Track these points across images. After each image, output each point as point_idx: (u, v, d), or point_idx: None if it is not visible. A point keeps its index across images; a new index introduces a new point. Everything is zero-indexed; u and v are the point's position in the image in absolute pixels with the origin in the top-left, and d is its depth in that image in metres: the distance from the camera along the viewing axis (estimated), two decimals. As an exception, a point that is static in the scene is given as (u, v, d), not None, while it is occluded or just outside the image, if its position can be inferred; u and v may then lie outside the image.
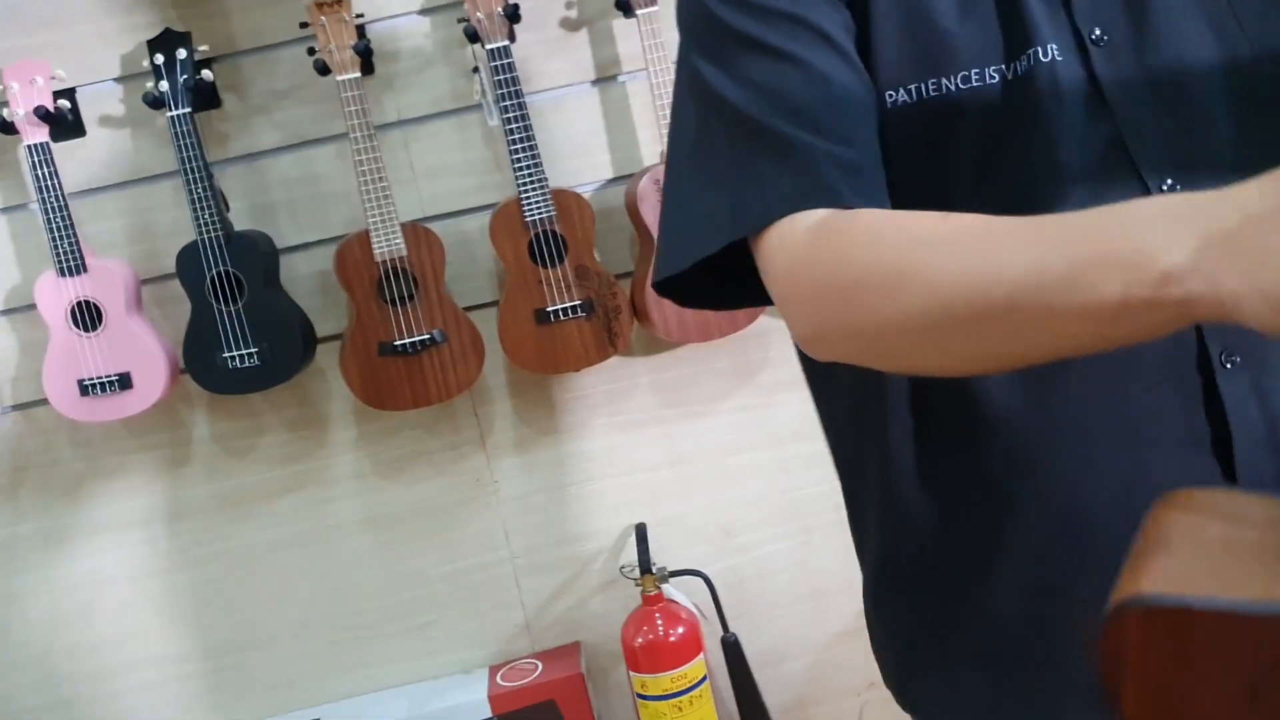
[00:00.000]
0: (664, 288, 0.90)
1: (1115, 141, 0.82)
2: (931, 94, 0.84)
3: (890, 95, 0.85)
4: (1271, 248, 0.53)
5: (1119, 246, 0.60)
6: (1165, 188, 0.81)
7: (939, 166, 0.85)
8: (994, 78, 0.84)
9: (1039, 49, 0.83)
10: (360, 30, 2.03)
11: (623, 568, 2.36)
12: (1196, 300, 0.57)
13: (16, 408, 2.23)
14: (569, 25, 2.14)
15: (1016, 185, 0.83)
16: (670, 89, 2.00)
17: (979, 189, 0.84)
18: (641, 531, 2.34)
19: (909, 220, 0.75)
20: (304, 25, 2.03)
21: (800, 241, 0.79)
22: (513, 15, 2.00)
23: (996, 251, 0.67)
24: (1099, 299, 0.60)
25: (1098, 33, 0.84)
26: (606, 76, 2.17)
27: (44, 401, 2.16)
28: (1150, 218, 0.60)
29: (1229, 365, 0.81)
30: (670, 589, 2.31)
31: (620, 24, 2.13)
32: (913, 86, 0.85)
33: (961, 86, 0.84)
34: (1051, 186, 0.82)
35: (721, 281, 0.89)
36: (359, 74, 2.01)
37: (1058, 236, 0.64)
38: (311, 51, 2.02)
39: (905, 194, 0.84)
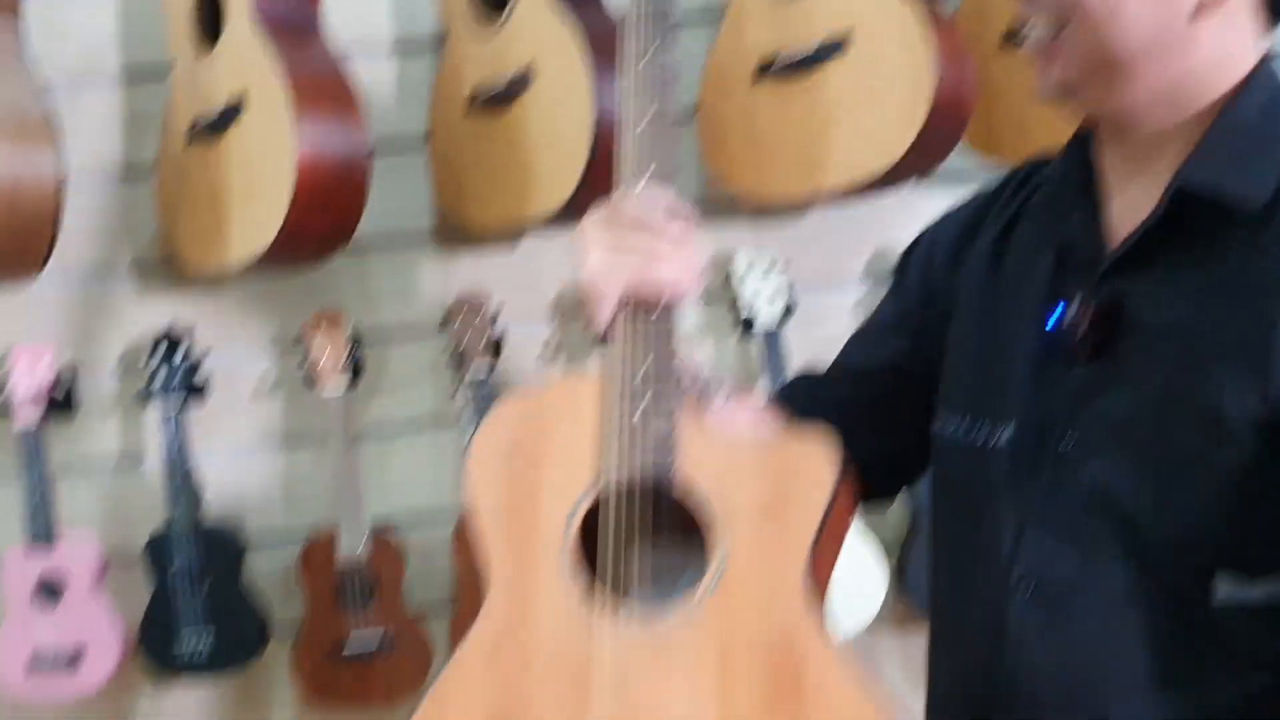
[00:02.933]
0: None
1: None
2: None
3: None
4: None
5: None
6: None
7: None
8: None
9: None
10: (352, 345, 2.16)
11: None
12: None
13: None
14: (546, 359, 2.29)
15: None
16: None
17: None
18: None
19: None
20: (298, 341, 2.16)
21: None
22: (497, 348, 2.15)
23: None
24: None
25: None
26: (579, 404, 2.30)
27: (-13, 674, 2.16)
28: None
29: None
30: None
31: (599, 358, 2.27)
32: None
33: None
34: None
35: None
36: (345, 387, 2.13)
37: None
38: (303, 362, 2.15)
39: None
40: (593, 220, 1.08)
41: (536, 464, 1.06)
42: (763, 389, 2.13)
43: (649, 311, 1.05)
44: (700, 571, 0.98)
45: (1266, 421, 0.85)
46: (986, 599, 1.01)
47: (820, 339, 1.86)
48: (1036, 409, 0.99)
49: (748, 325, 2.18)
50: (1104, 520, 0.93)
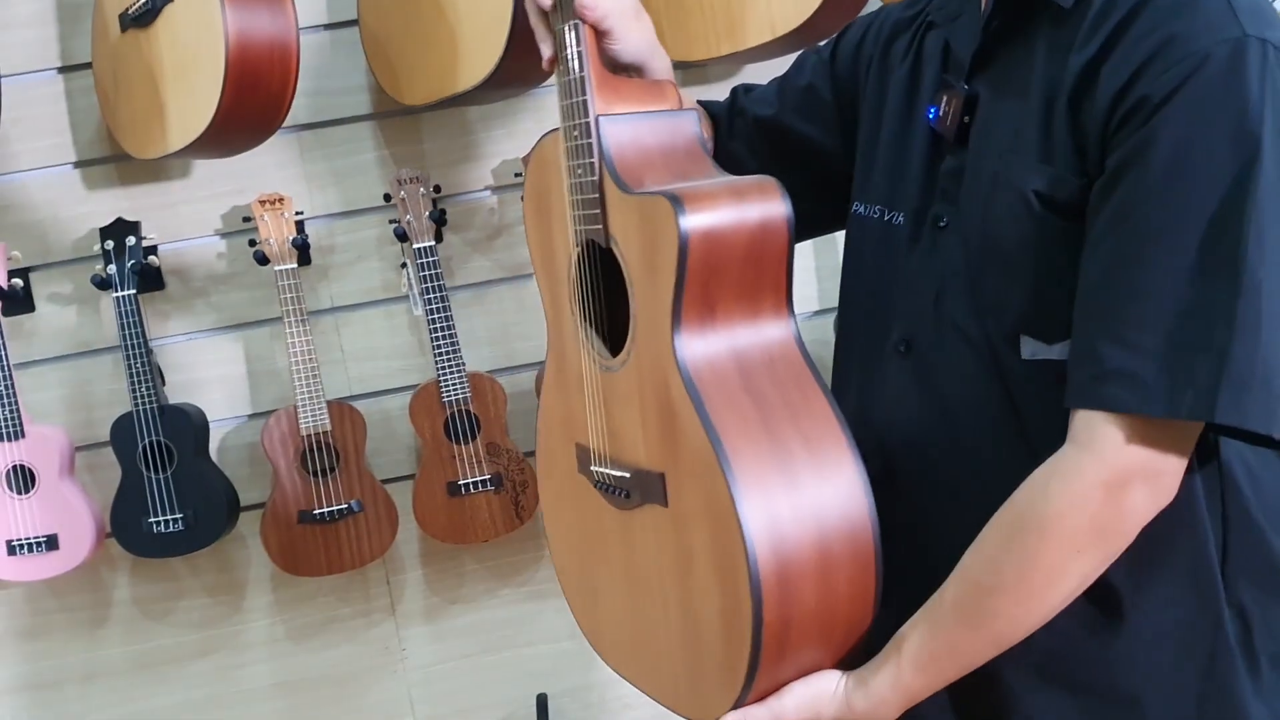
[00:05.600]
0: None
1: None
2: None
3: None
4: None
5: None
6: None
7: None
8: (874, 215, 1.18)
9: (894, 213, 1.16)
10: (299, 225, 2.24)
11: (524, 736, 2.45)
12: None
13: (-59, 566, 2.30)
14: (489, 229, 2.37)
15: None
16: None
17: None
18: (543, 702, 2.43)
19: None
20: (247, 220, 2.23)
21: None
22: (440, 220, 2.22)
23: None
24: None
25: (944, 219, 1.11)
26: (523, 274, 2.39)
27: (-31, 561, 2.24)
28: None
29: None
30: (568, 757, 2.40)
31: (537, 227, 2.35)
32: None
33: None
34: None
35: None
36: (295, 265, 2.20)
37: None
38: (253, 243, 2.21)
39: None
40: None
41: (549, 211, 1.18)
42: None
43: None
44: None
45: (1057, 201, 0.98)
46: (873, 361, 1.17)
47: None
48: (922, 192, 1.14)
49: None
50: (955, 288, 1.08)
